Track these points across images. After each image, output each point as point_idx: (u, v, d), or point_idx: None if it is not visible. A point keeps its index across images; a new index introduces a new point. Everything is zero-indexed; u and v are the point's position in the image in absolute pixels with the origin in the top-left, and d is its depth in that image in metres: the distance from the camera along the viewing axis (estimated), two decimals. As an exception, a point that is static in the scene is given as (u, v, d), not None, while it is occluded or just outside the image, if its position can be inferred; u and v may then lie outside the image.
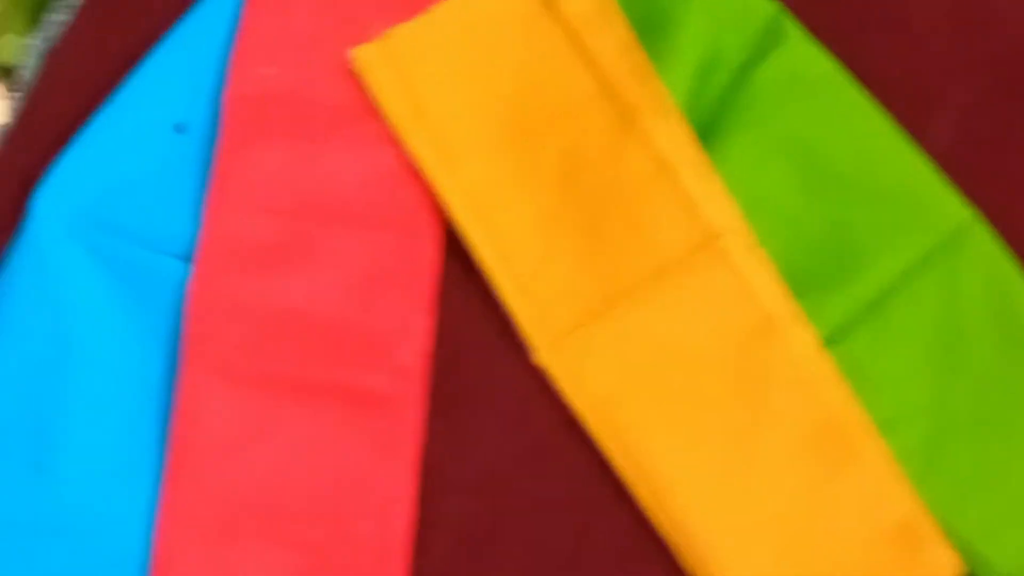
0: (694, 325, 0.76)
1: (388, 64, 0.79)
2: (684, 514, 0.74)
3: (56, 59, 0.82)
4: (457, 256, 0.78)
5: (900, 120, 0.79)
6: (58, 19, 0.83)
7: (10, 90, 0.83)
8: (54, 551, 0.73)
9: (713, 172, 0.78)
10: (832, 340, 0.76)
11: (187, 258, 0.77)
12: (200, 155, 0.78)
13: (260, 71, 0.78)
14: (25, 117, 0.82)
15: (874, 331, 0.76)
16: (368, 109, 0.78)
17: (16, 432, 0.75)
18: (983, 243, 0.77)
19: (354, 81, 0.79)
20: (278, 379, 0.75)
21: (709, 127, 0.79)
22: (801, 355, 0.75)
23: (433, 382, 0.76)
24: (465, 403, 0.76)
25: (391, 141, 0.78)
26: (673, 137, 0.78)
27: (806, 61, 0.80)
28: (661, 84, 0.79)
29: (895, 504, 0.73)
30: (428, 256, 0.77)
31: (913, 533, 0.72)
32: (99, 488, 0.74)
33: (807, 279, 0.77)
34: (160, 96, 0.79)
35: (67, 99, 0.82)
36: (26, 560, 0.73)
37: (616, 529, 0.74)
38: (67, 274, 0.75)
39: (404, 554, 0.74)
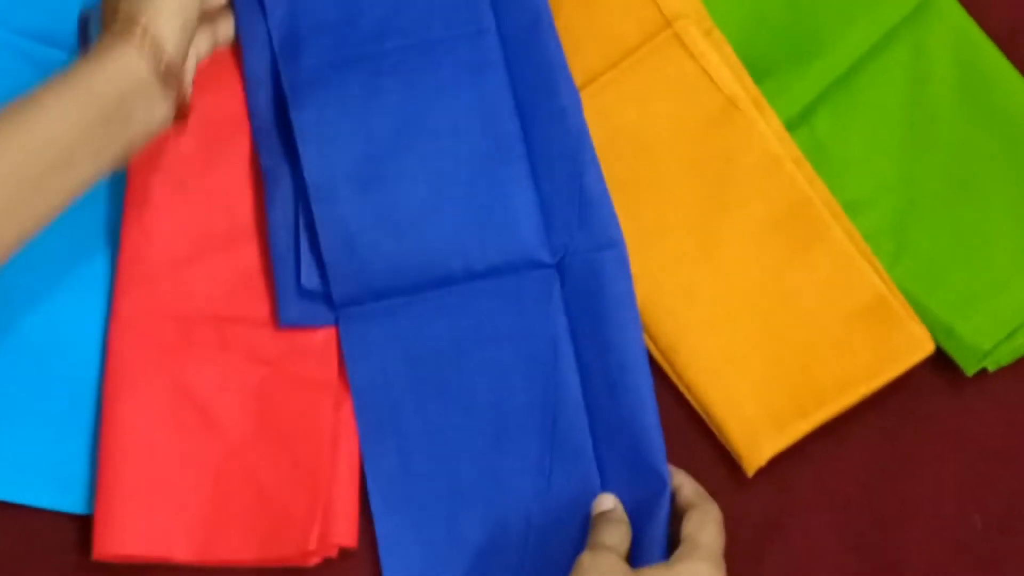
0: (652, 112, 0.73)
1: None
2: (649, 302, 0.72)
3: None
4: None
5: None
6: None
7: None
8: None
9: (665, -45, 0.75)
10: (796, 122, 0.73)
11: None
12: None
13: None
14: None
15: (839, 111, 0.74)
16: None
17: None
18: (951, 13, 0.74)
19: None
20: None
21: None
22: (763, 138, 0.72)
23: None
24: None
25: None
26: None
27: None
28: None
29: (865, 283, 0.71)
30: None
31: (884, 311, 0.70)
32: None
33: (768, 61, 0.74)
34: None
35: None
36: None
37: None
38: None
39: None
